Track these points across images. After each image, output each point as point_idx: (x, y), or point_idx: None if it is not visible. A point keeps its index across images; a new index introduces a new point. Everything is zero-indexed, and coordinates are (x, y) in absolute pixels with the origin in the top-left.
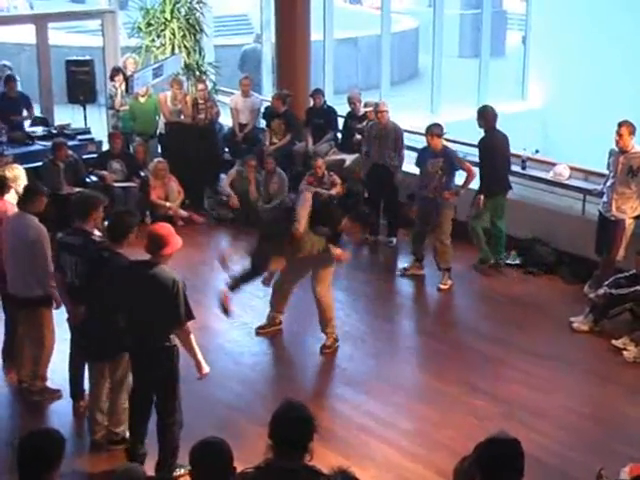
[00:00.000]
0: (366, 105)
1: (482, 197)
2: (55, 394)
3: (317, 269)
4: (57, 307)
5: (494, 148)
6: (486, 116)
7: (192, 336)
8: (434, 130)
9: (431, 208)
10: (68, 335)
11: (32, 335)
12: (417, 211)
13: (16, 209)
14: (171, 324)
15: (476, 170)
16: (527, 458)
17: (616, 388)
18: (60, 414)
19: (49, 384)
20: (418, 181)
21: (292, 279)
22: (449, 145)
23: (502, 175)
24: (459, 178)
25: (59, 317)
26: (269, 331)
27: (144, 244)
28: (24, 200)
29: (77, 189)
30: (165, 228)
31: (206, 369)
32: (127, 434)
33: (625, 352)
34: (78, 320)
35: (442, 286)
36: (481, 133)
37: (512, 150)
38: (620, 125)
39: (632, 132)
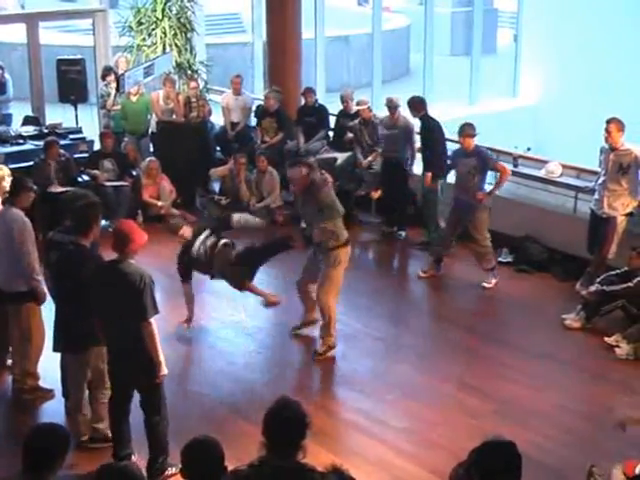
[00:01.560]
0: (358, 103)
1: (429, 174)
2: (47, 394)
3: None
4: (41, 302)
5: (433, 133)
6: (415, 105)
7: (156, 333)
8: (467, 130)
9: (465, 211)
10: None
11: (19, 330)
12: (449, 214)
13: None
14: (139, 319)
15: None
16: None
17: (609, 385)
18: (52, 414)
19: (42, 383)
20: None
21: (308, 278)
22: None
23: (443, 160)
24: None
25: (47, 316)
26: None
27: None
28: (11, 195)
29: (68, 188)
30: (128, 225)
31: (164, 371)
32: (109, 432)
33: (617, 349)
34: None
35: (487, 284)
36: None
37: (504, 148)
38: (608, 122)
39: (620, 129)
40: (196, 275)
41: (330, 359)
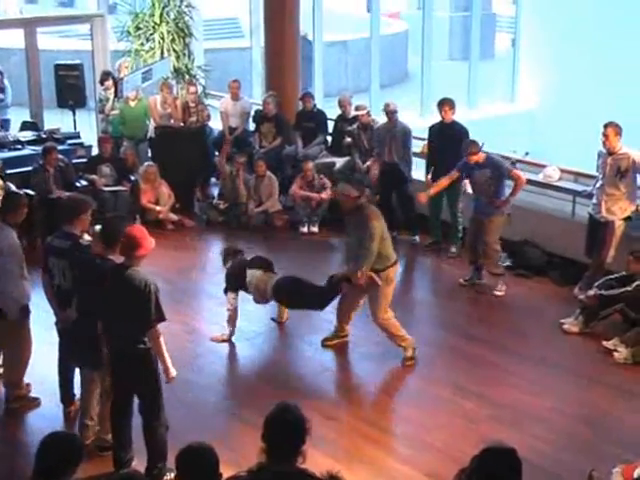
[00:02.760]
0: (357, 108)
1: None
2: (32, 403)
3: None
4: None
5: (461, 137)
6: (444, 107)
7: (162, 338)
8: (471, 149)
9: (481, 212)
10: (57, 339)
11: (8, 344)
12: (470, 221)
13: None
14: (143, 326)
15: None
16: None
17: (607, 390)
18: (50, 419)
19: (40, 389)
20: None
21: (353, 297)
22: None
23: None
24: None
25: (47, 322)
26: (334, 343)
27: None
28: (4, 210)
29: (67, 193)
30: (138, 230)
31: (173, 373)
32: None
33: (616, 353)
34: (67, 323)
35: (498, 292)
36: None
37: (502, 152)
38: (606, 126)
39: (618, 133)
40: (192, 280)
41: (327, 363)
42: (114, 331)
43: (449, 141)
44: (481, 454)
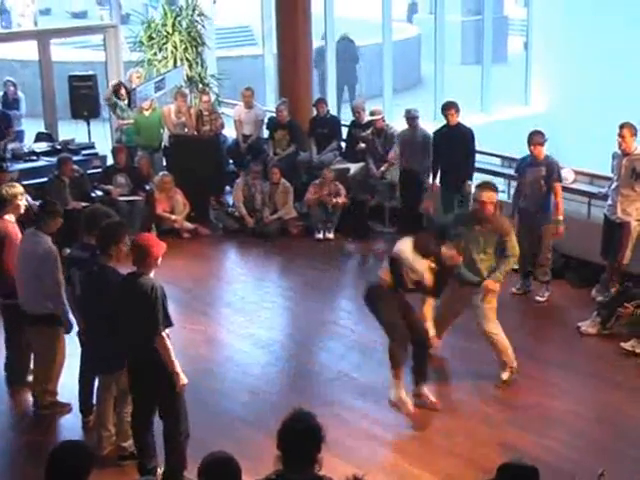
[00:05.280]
0: (372, 113)
1: (471, 183)
2: (64, 408)
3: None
4: (67, 331)
5: (473, 140)
6: (457, 110)
7: (169, 344)
8: (535, 138)
9: (532, 222)
10: (78, 350)
11: (43, 351)
12: (518, 226)
13: (16, 227)
14: (151, 331)
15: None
16: (537, 463)
17: (625, 391)
18: (69, 429)
19: (59, 398)
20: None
21: (449, 313)
22: None
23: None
24: None
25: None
26: None
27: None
28: (40, 219)
29: (83, 204)
30: (146, 238)
31: (184, 380)
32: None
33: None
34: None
35: (539, 298)
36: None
37: (517, 155)
38: (621, 127)
39: (634, 134)
40: (208, 288)
41: (344, 369)
42: (130, 339)
43: (456, 144)
44: (502, 468)
